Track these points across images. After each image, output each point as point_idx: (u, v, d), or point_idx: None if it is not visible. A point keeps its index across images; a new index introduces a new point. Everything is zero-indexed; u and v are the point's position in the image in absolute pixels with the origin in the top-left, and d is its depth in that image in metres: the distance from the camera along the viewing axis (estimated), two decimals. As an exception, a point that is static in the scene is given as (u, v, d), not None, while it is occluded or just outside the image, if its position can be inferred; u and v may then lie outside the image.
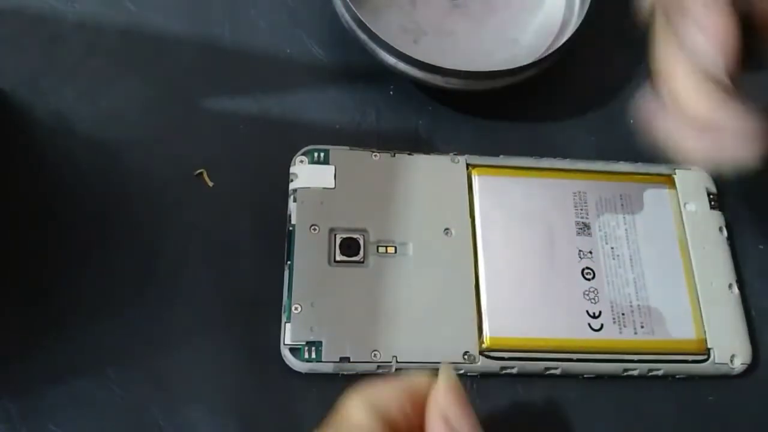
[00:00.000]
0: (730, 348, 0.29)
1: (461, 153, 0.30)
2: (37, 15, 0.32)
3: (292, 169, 0.29)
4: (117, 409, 0.26)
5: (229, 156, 0.30)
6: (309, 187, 0.29)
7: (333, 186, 0.29)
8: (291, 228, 0.28)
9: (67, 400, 0.26)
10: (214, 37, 0.33)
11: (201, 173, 0.30)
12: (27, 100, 0.30)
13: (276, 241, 0.28)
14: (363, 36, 0.30)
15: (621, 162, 0.32)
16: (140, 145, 0.30)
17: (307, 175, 0.29)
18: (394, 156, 0.30)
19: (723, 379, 0.29)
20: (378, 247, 0.28)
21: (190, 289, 0.28)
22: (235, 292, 0.28)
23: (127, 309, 0.27)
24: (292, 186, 0.29)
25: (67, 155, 0.29)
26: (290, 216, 0.28)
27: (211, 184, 0.30)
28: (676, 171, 0.32)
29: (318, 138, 0.30)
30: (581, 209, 0.30)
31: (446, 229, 0.29)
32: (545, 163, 0.31)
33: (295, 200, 0.28)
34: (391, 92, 0.33)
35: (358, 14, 0.30)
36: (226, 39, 0.33)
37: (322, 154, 0.29)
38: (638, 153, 0.32)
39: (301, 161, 0.29)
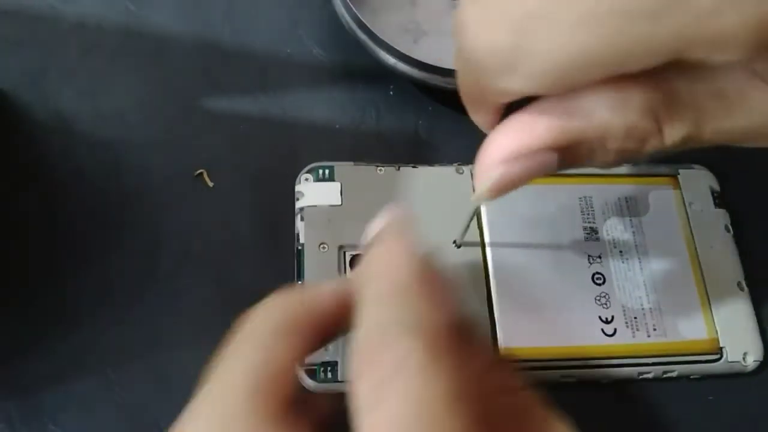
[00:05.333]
0: (742, 346, 0.28)
1: (463, 161, 0.30)
2: (37, 15, 0.32)
3: (297, 188, 0.29)
4: (117, 409, 0.26)
5: (229, 156, 0.30)
6: (316, 205, 0.28)
7: (339, 203, 0.28)
8: (300, 247, 0.28)
9: (67, 400, 0.26)
10: (214, 37, 0.32)
11: (201, 173, 0.30)
12: (27, 100, 0.30)
13: (276, 240, 0.28)
14: (363, 36, 0.30)
15: (624, 164, 0.32)
16: (140, 144, 0.30)
17: (313, 192, 0.29)
18: (399, 170, 0.30)
19: (737, 377, 0.29)
20: None
21: (190, 289, 0.28)
22: (235, 292, 0.28)
23: (127, 309, 0.27)
24: (298, 205, 0.29)
25: (67, 155, 0.29)
26: (298, 235, 0.28)
27: (211, 184, 0.30)
28: (680, 171, 0.31)
29: (318, 138, 0.30)
30: (588, 214, 0.30)
31: (455, 240, 0.29)
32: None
33: (302, 219, 0.28)
34: (391, 92, 0.33)
35: (358, 14, 0.30)
36: (226, 39, 0.33)
37: (326, 171, 0.29)
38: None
39: (306, 179, 0.29)
